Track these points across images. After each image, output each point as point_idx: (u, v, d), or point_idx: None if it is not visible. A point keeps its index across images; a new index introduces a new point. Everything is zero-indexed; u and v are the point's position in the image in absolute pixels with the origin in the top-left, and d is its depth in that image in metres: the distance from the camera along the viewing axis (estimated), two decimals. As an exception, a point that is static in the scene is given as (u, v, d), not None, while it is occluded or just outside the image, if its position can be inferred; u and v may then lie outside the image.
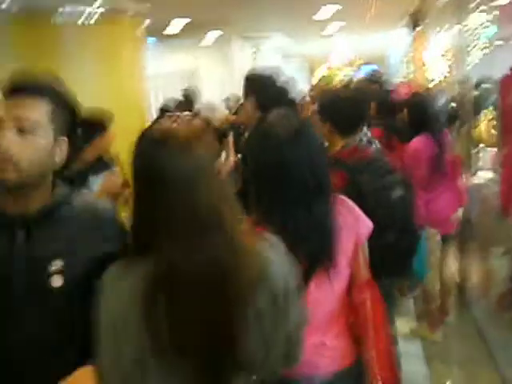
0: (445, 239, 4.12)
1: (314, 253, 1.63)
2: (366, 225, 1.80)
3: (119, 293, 1.22)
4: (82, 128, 3.59)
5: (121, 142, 4.38)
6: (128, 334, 1.20)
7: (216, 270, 1.22)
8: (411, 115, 4.05)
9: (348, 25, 11.88)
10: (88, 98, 4.18)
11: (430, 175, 3.82)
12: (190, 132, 1.29)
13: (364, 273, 1.81)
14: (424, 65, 9.53)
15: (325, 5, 9.45)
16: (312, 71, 20.77)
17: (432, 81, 9.32)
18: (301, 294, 1.41)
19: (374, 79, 5.78)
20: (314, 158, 1.65)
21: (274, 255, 1.33)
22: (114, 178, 3.47)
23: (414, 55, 10.51)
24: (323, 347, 1.76)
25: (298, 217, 1.62)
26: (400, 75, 12.79)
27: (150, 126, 1.44)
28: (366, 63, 20.77)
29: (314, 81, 18.44)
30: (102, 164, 3.52)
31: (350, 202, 1.82)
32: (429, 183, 3.83)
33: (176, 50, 11.07)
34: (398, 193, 2.53)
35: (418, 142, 3.87)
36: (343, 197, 1.82)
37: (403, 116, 4.18)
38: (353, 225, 1.76)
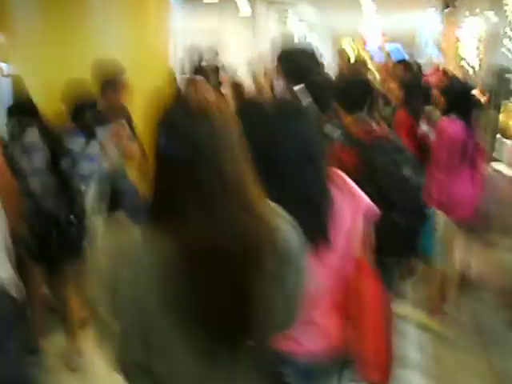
0: (458, 224, 4.05)
1: (306, 225, 1.56)
2: (365, 202, 1.78)
3: (139, 263, 1.23)
4: (97, 81, 3.60)
5: (143, 96, 4.36)
6: (150, 300, 1.22)
7: (240, 242, 1.24)
8: (449, 99, 3.99)
9: (377, 2, 11.66)
10: (112, 51, 4.21)
11: (453, 158, 3.79)
12: (218, 102, 1.28)
13: (358, 250, 1.78)
14: (457, 47, 9.33)
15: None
16: (336, 43, 20.52)
17: (462, 65, 9.15)
18: (306, 260, 1.43)
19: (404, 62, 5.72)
20: (303, 133, 1.64)
21: (285, 224, 1.36)
22: (120, 129, 3.47)
23: (445, 37, 10.30)
24: (309, 324, 1.73)
25: (287, 190, 1.61)
26: (428, 56, 12.58)
27: (178, 94, 1.41)
28: (390, 41, 20.56)
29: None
30: (111, 115, 3.52)
31: (348, 179, 1.79)
32: (450, 166, 3.80)
33: (202, 10, 10.93)
34: (408, 171, 2.52)
35: (447, 123, 3.86)
36: (340, 172, 1.79)
37: (437, 100, 4.18)
38: (350, 200, 1.74)
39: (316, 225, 1.63)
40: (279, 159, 1.60)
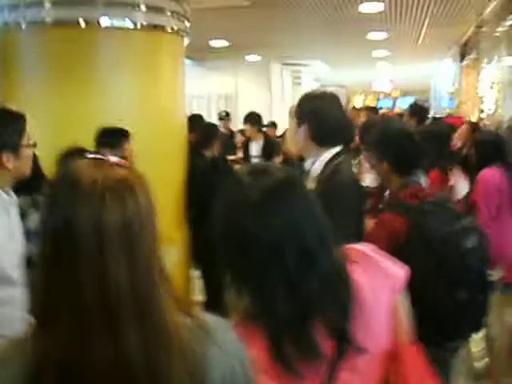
0: (508, 286, 3.65)
1: (334, 329, 1.26)
2: (401, 272, 1.42)
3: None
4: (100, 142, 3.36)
5: (153, 160, 4.17)
6: None
7: (125, 374, 0.92)
8: (480, 151, 3.87)
9: (392, 54, 11.61)
10: (123, 114, 4.00)
11: (499, 209, 3.62)
12: (112, 180, 0.95)
13: (402, 334, 1.43)
14: (478, 96, 9.14)
15: (371, 32, 9.19)
16: (349, 100, 20.64)
17: (482, 113, 8.93)
18: None
19: (414, 110, 5.53)
20: (298, 221, 1.27)
21: (215, 349, 1.02)
22: None
23: (465, 87, 10.14)
24: None
25: (288, 297, 1.24)
26: (444, 107, 12.41)
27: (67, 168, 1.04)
28: (404, 95, 20.68)
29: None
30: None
31: (374, 252, 1.43)
32: (497, 217, 3.61)
33: (215, 72, 10.93)
34: (472, 241, 2.16)
35: (489, 173, 3.71)
36: (363, 247, 1.44)
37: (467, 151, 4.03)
38: (383, 279, 1.38)
39: (337, 326, 1.28)
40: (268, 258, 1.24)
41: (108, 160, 0.98)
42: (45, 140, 3.78)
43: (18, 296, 2.16)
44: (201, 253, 4.97)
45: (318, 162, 2.48)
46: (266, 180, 1.30)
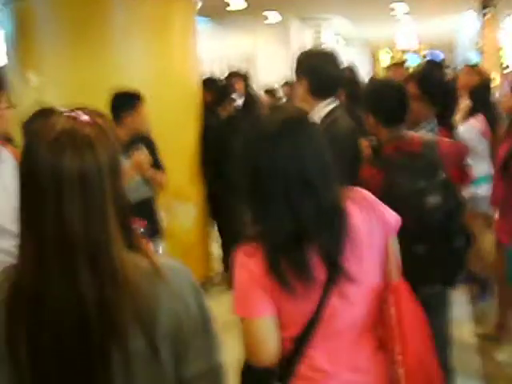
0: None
1: (326, 255, 1.44)
2: (393, 219, 1.59)
3: None
4: (113, 107, 3.51)
5: (167, 122, 4.34)
6: None
7: (83, 309, 1.06)
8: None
9: (412, 9, 11.44)
10: (136, 78, 4.17)
11: None
12: (75, 136, 1.09)
13: (392, 273, 1.59)
14: (500, 49, 9.00)
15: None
16: (374, 56, 20.34)
17: (507, 67, 8.80)
18: (210, 334, 1.23)
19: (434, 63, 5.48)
20: (302, 155, 1.46)
21: (166, 289, 1.15)
22: (140, 156, 3.39)
23: (486, 40, 9.98)
24: (356, 373, 1.54)
25: (288, 219, 1.45)
26: (470, 62, 12.24)
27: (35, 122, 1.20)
28: (432, 49, 20.30)
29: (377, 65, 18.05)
30: (134, 145, 3.43)
31: (371, 197, 1.60)
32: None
33: (235, 30, 10.93)
34: (435, 199, 2.30)
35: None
36: (363, 191, 1.61)
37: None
38: (376, 219, 1.55)
39: (329, 253, 1.46)
40: (276, 181, 1.45)
41: (78, 117, 1.12)
42: (60, 102, 4.00)
43: None
44: (216, 208, 5.21)
45: (316, 115, 2.64)
46: (279, 115, 1.53)
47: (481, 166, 3.92)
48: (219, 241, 5.45)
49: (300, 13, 11.24)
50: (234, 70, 6.37)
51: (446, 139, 2.93)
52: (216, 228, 5.47)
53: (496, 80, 5.43)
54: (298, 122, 1.51)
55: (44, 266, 1.06)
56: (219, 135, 4.98)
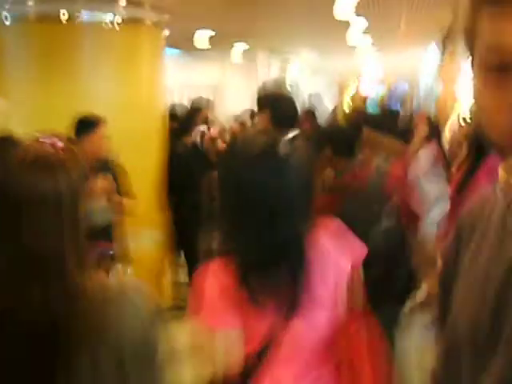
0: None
1: (288, 282, 1.51)
2: (360, 248, 1.67)
3: None
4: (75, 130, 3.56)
5: (132, 149, 4.38)
6: None
7: (44, 320, 1.10)
8: None
9: (376, 41, 11.73)
10: (102, 106, 4.22)
11: None
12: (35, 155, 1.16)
13: (356, 300, 1.66)
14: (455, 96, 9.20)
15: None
16: (341, 88, 20.70)
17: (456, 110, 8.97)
18: (155, 366, 1.21)
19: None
20: (281, 181, 1.53)
21: (125, 307, 1.16)
22: (104, 182, 3.45)
23: (442, 76, 10.23)
24: None
25: (260, 241, 1.52)
26: (433, 96, 12.53)
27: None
28: (398, 80, 20.79)
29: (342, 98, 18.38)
30: (99, 170, 3.47)
31: (341, 226, 1.68)
32: None
33: (202, 62, 11.07)
34: (384, 225, 2.42)
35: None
36: (334, 220, 1.68)
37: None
38: (346, 250, 1.62)
39: (294, 279, 1.53)
40: (251, 206, 1.51)
41: (44, 142, 1.19)
42: (26, 127, 4.03)
43: None
44: (181, 235, 5.24)
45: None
46: (253, 146, 1.59)
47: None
48: (186, 268, 5.46)
49: (268, 44, 11.44)
50: (197, 100, 6.48)
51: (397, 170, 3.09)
52: (183, 255, 5.49)
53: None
54: (275, 148, 1.58)
55: (13, 282, 1.11)
56: (184, 162, 5.04)
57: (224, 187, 1.62)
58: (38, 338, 1.09)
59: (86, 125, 3.53)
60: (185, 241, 5.27)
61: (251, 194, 1.51)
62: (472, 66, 0.80)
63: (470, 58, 0.80)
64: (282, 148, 1.60)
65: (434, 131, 4.30)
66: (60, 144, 1.19)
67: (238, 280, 1.50)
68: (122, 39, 4.68)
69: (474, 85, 0.80)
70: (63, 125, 3.85)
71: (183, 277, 5.46)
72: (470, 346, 0.83)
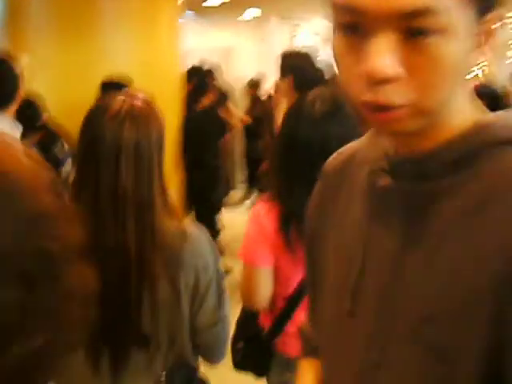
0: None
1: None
2: None
3: None
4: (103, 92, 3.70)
5: None
6: None
7: (126, 252, 1.29)
8: None
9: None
10: (121, 66, 4.32)
11: None
12: (127, 108, 1.33)
13: None
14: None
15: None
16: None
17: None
18: (221, 290, 1.45)
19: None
20: (346, 138, 1.65)
21: (189, 249, 1.37)
22: None
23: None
24: None
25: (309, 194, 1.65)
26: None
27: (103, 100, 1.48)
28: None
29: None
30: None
31: None
32: None
33: (214, 25, 11.07)
34: None
35: None
36: None
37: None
38: None
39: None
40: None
41: (135, 95, 1.38)
42: (49, 89, 4.16)
43: None
44: (194, 197, 5.39)
45: None
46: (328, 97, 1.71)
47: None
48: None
49: (280, 11, 11.41)
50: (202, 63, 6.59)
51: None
52: (194, 216, 5.65)
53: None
54: (340, 108, 1.69)
55: (98, 213, 1.28)
56: (199, 124, 5.16)
57: (288, 144, 1.71)
58: (128, 264, 1.29)
59: (114, 87, 3.63)
60: (198, 199, 5.42)
61: (316, 150, 1.61)
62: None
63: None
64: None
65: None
66: (146, 99, 1.36)
67: (279, 226, 1.64)
68: (140, 2, 4.75)
69: (332, 47, 0.76)
70: (82, 86, 3.99)
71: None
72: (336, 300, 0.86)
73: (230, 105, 7.04)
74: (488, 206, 0.69)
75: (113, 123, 1.29)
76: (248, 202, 7.62)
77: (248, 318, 1.77)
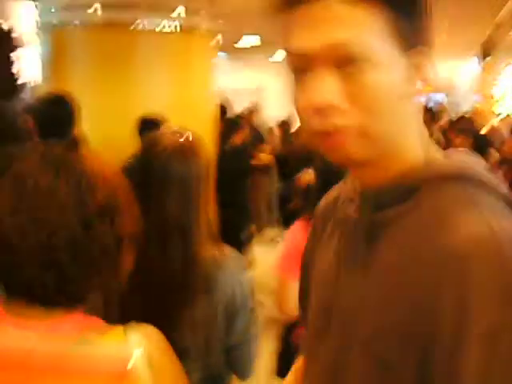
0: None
1: None
2: None
3: None
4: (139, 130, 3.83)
5: None
6: None
7: (171, 269, 1.41)
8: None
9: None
10: (158, 106, 4.50)
11: None
12: (176, 144, 1.47)
13: None
14: (492, 97, 9.32)
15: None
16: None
17: (499, 115, 9.11)
18: (250, 311, 1.56)
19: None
20: None
21: (224, 273, 1.48)
22: None
23: (482, 86, 10.30)
24: None
25: None
26: (468, 106, 12.61)
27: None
28: (435, 91, 20.67)
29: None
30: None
31: None
32: None
33: (245, 66, 11.31)
34: None
35: None
36: None
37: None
38: None
39: None
40: None
41: (180, 132, 1.52)
42: (91, 129, 4.36)
43: None
44: (225, 228, 5.49)
45: None
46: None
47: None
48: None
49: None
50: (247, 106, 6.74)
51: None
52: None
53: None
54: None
55: (146, 238, 1.39)
56: (230, 163, 5.30)
57: (327, 175, 1.84)
58: (171, 285, 1.41)
59: (150, 124, 3.79)
60: (226, 237, 5.50)
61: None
62: None
63: None
64: None
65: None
66: (190, 136, 1.49)
67: None
68: (177, 45, 4.97)
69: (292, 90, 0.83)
70: (121, 123, 4.17)
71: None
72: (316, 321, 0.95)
73: (265, 145, 7.19)
74: (421, 241, 0.76)
75: (162, 158, 1.43)
76: (280, 239, 7.68)
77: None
